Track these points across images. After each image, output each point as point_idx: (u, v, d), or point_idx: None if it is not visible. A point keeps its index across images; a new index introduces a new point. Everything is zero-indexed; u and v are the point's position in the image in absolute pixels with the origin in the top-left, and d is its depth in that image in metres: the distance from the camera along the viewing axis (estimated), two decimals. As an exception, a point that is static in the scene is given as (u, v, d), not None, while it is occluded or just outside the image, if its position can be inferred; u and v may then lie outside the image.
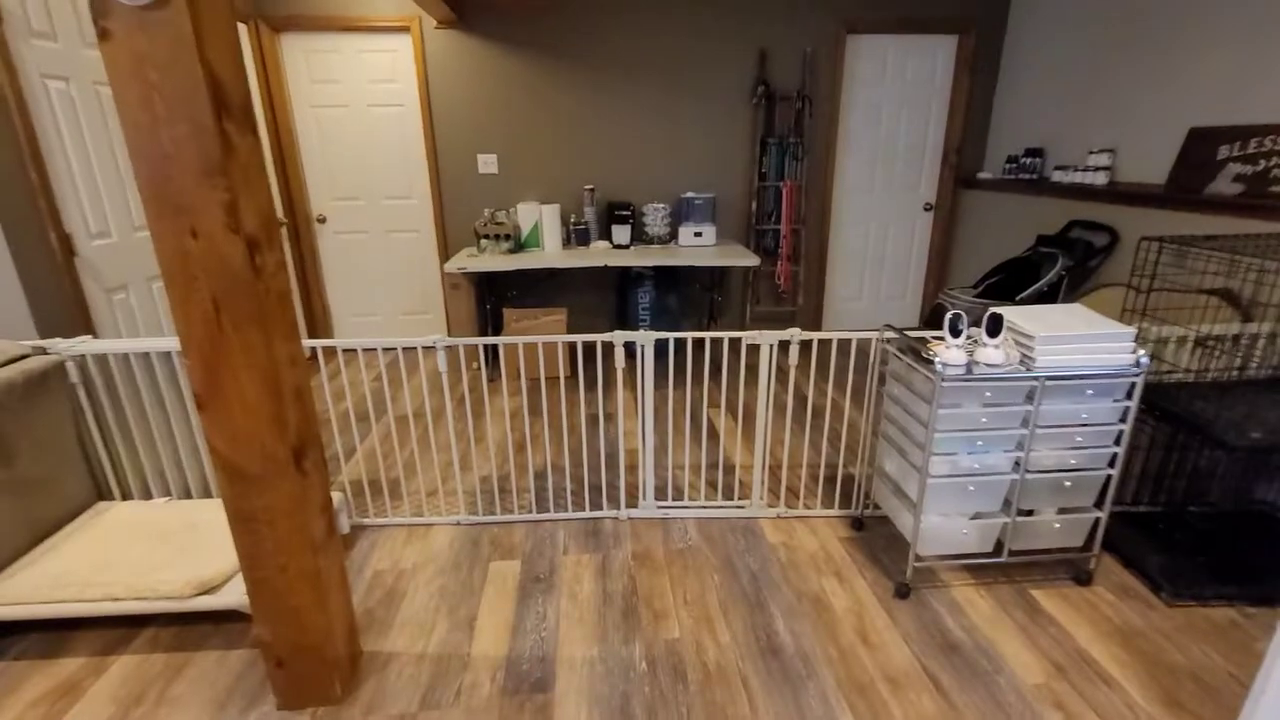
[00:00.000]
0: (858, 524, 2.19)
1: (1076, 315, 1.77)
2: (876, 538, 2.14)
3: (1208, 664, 1.59)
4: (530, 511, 2.28)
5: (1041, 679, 1.57)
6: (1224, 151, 2.47)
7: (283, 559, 1.40)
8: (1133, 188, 2.85)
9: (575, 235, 3.68)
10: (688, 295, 4.10)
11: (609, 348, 3.60)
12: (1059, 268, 2.91)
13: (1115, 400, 1.73)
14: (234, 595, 1.67)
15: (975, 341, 1.74)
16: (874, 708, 1.50)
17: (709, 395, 3.28)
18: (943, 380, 1.64)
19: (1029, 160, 3.46)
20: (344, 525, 2.16)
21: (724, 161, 3.91)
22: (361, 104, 3.72)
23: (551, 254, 3.54)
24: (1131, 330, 1.67)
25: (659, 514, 2.26)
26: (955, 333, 1.68)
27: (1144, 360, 1.68)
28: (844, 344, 4.06)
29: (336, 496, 1.97)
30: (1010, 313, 1.79)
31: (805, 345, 3.89)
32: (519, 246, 3.63)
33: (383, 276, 4.04)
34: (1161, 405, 1.87)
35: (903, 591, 1.84)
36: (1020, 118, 3.63)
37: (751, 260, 3.38)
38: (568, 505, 2.32)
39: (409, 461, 2.66)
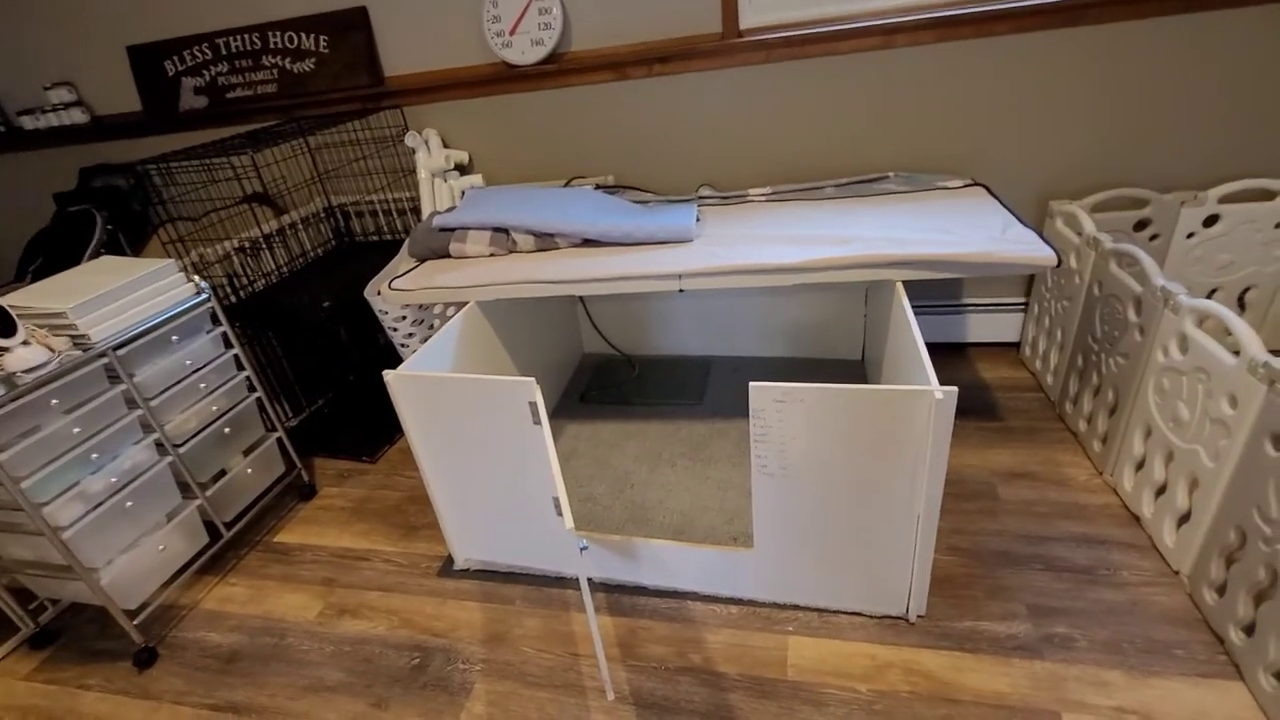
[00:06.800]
0: (45, 637, 1.59)
1: (105, 270, 1.53)
2: (84, 627, 1.61)
3: (409, 483, 1.94)
4: None
5: (319, 606, 1.57)
6: (170, 68, 2.49)
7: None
8: (118, 119, 2.63)
9: None
10: None
11: None
12: (101, 224, 2.53)
13: (208, 332, 1.65)
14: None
15: (-4, 351, 1.30)
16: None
17: None
18: (-29, 421, 1.18)
19: (-21, 111, 2.72)
20: None
21: None
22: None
23: None
24: (170, 261, 1.57)
25: None
26: (-56, 356, 1.19)
27: (204, 285, 1.62)
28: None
29: None
30: (19, 297, 1.40)
31: None
32: None
33: None
34: (257, 314, 1.93)
35: (144, 658, 1.46)
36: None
37: None
38: None
39: None
